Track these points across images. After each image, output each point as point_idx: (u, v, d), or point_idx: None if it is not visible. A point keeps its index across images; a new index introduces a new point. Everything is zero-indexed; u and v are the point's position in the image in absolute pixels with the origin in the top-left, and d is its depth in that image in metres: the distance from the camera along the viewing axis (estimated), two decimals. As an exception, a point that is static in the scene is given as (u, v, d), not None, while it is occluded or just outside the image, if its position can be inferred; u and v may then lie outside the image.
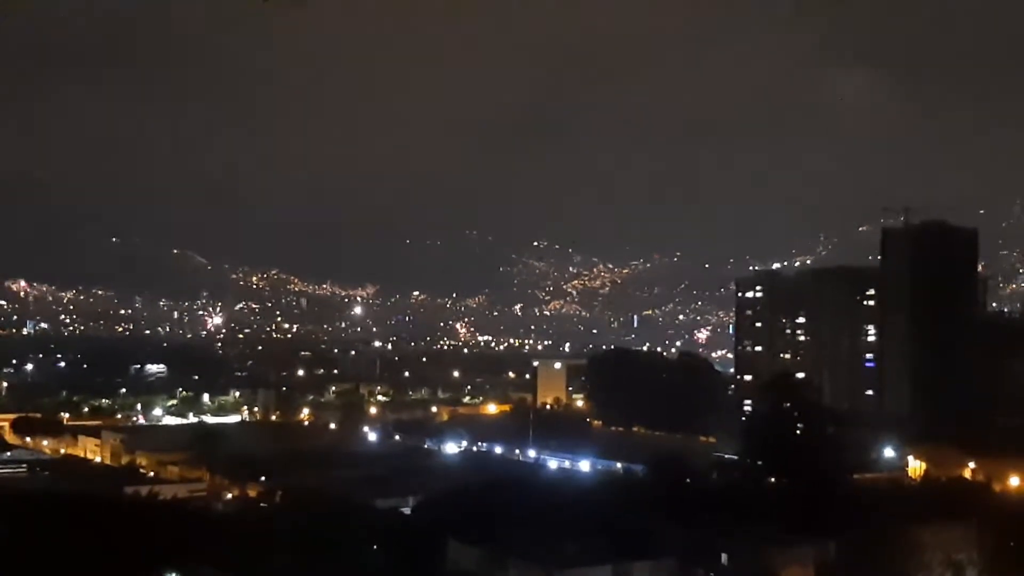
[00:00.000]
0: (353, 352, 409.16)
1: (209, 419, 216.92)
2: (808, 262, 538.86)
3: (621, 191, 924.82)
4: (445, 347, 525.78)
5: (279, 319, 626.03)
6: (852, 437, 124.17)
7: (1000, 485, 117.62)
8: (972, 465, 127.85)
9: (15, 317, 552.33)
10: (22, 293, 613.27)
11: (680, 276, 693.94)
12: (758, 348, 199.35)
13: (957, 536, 77.14)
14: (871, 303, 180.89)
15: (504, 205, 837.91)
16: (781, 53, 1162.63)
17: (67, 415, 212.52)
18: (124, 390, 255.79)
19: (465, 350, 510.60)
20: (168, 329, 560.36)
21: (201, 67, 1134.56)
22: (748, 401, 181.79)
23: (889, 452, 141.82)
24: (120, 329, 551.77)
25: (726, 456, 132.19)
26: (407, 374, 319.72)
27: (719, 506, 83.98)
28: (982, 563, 76.22)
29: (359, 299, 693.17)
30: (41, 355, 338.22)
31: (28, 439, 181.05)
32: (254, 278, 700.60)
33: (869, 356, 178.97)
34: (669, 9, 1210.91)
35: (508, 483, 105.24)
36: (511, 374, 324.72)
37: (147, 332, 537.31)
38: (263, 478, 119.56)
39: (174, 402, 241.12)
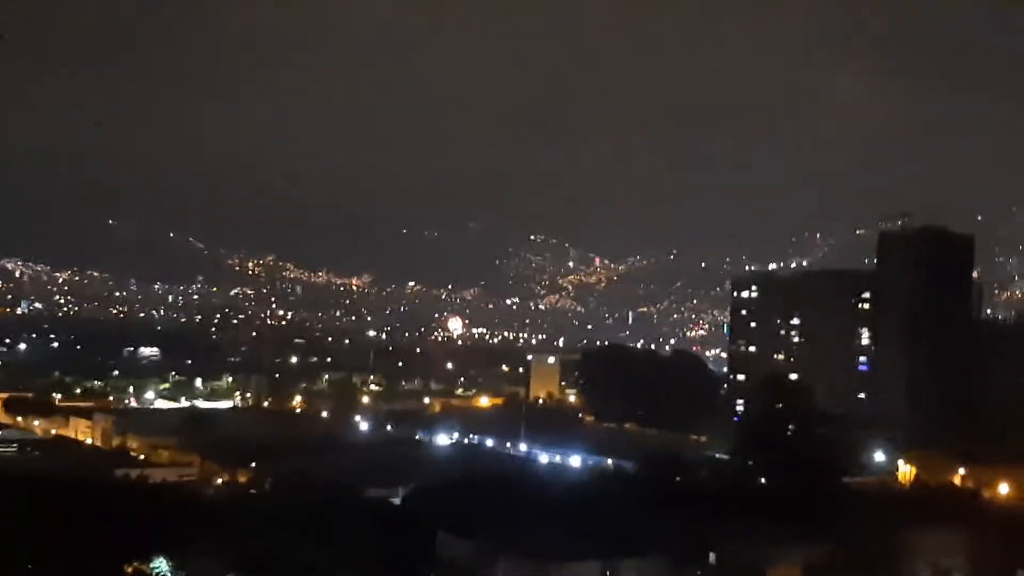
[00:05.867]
0: (347, 341, 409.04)
1: (201, 404, 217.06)
2: (805, 263, 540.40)
3: (618, 188, 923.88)
4: (439, 338, 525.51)
5: (274, 306, 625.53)
6: (843, 440, 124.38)
7: (989, 492, 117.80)
8: (962, 471, 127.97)
9: (9, 296, 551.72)
10: (17, 272, 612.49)
11: (676, 274, 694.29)
12: (752, 348, 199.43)
13: (945, 542, 77.26)
14: (866, 306, 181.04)
15: (501, 199, 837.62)
16: (782, 55, 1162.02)
17: (59, 396, 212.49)
18: (117, 372, 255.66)
19: (459, 342, 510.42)
20: (162, 313, 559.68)
21: (203, 51, 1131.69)
22: (741, 401, 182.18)
23: (880, 456, 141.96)
24: (114, 311, 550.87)
25: (717, 455, 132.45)
26: (400, 364, 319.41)
27: (709, 505, 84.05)
28: (969, 570, 76.37)
29: (355, 288, 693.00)
30: (35, 335, 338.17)
31: (19, 419, 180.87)
32: (250, 264, 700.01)
33: (863, 359, 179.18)
34: (668, 7, 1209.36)
35: (499, 476, 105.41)
36: (505, 367, 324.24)
37: (141, 315, 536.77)
38: (253, 464, 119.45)
39: (166, 386, 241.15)
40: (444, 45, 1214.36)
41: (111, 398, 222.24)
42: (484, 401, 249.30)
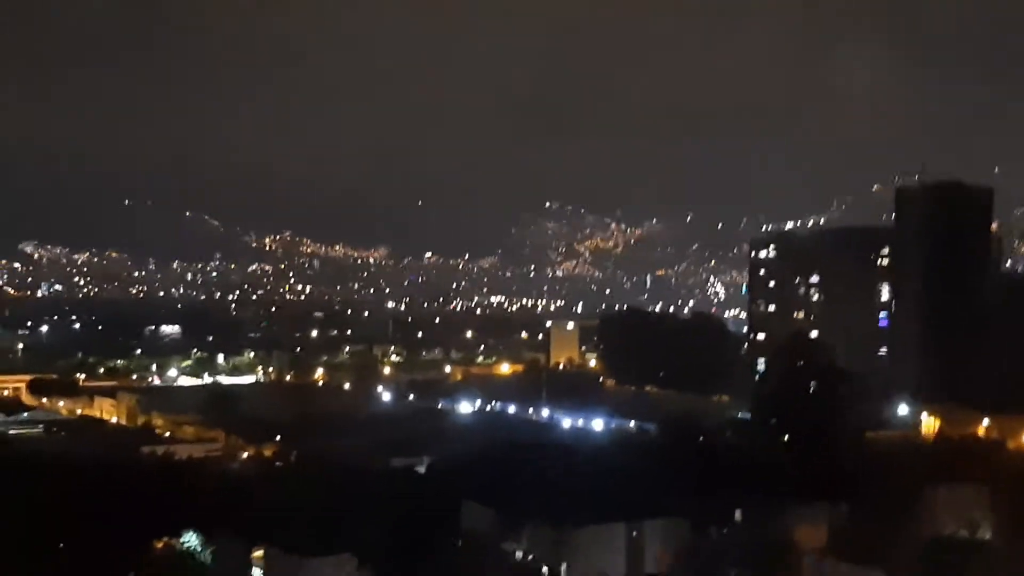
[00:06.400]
0: (366, 313, 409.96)
1: (224, 380, 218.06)
2: (822, 222, 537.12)
3: (633, 150, 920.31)
4: (458, 308, 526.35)
5: (292, 281, 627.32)
6: (865, 396, 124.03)
7: (1014, 443, 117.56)
8: (986, 423, 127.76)
9: (29, 279, 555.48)
10: (36, 255, 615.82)
11: (693, 236, 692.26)
12: (771, 308, 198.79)
13: (971, 494, 77.12)
14: (885, 262, 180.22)
15: (516, 166, 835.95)
16: (799, 17, 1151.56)
17: (83, 376, 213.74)
18: (139, 351, 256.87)
19: (478, 311, 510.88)
20: (182, 291, 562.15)
21: (219, 37, 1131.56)
22: (761, 361, 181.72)
23: (902, 410, 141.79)
24: (134, 291, 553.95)
25: (739, 415, 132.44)
26: (420, 335, 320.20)
27: (732, 465, 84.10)
28: (996, 521, 76.23)
29: (372, 261, 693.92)
30: (56, 317, 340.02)
31: (44, 400, 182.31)
32: (267, 240, 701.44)
33: (883, 315, 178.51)
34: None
35: (521, 442, 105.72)
36: (524, 335, 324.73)
37: (161, 294, 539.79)
38: (278, 438, 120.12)
39: (189, 363, 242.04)
40: (460, 23, 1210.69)
41: (134, 377, 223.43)
42: (504, 368, 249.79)
